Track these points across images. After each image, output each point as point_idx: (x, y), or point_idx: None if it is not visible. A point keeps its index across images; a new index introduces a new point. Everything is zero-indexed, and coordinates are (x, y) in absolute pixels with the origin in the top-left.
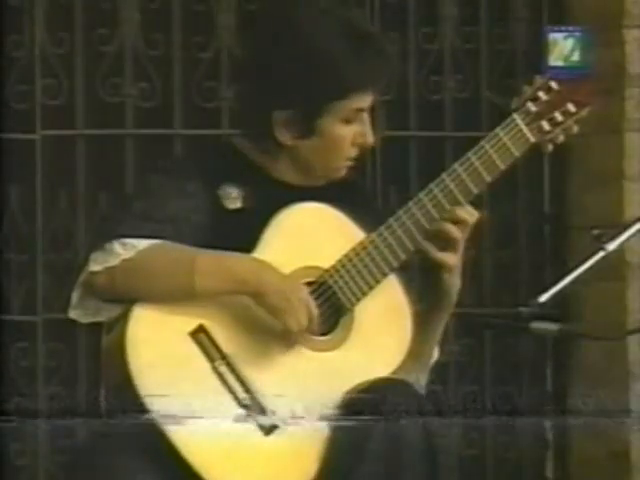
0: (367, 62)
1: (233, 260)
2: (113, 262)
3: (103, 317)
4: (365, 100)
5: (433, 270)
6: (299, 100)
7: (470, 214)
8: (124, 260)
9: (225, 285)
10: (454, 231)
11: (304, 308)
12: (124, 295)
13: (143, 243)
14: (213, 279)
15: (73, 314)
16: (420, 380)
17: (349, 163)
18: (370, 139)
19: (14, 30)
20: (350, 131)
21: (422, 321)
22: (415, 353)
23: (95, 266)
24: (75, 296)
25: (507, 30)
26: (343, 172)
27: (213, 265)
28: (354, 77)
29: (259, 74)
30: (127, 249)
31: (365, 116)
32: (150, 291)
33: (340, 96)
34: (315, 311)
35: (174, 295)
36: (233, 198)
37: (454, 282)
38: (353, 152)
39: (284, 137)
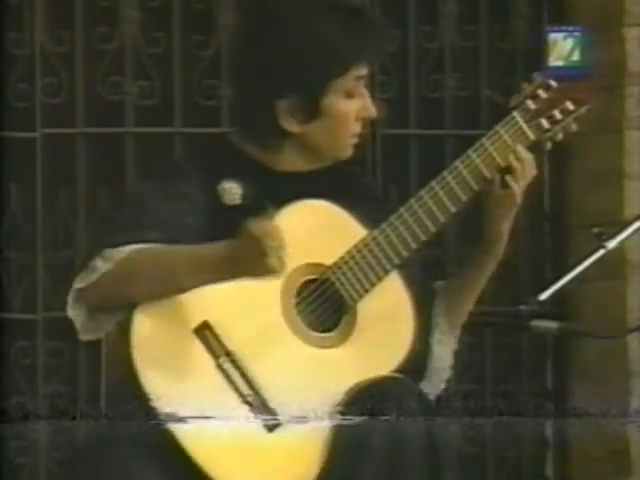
0: (360, 33)
1: (205, 251)
2: (94, 277)
3: (109, 328)
4: (362, 71)
5: (487, 216)
6: (303, 83)
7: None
8: (104, 274)
9: (207, 277)
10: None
11: (272, 244)
12: (114, 304)
13: (121, 252)
14: (194, 275)
15: (84, 337)
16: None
17: (354, 140)
18: (373, 112)
19: (14, 28)
20: (353, 105)
21: (469, 270)
22: (454, 307)
23: (78, 284)
24: (79, 319)
25: (507, 28)
26: (350, 151)
27: (189, 262)
28: (353, 49)
29: (256, 67)
30: (106, 261)
31: (364, 89)
32: (138, 297)
33: (342, 72)
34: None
35: (164, 296)
36: (232, 194)
37: (505, 228)
38: (357, 128)
39: (290, 125)
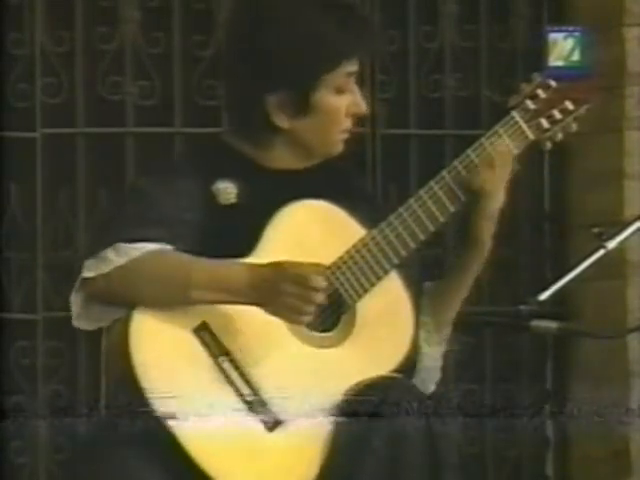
0: (352, 28)
1: (227, 271)
2: (106, 269)
3: (107, 322)
4: (353, 66)
5: (470, 216)
6: (293, 79)
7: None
8: (117, 267)
9: (221, 297)
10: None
11: (305, 296)
12: (118, 301)
13: (137, 250)
14: (208, 292)
15: (78, 324)
16: (436, 352)
17: (345, 136)
18: (363, 107)
19: (14, 28)
20: (344, 101)
21: (454, 271)
22: (439, 307)
23: (88, 273)
24: (76, 305)
25: (507, 28)
26: (340, 147)
27: (208, 278)
28: (343, 45)
29: (247, 63)
30: (120, 255)
31: (355, 85)
32: (144, 299)
33: (333, 67)
34: (322, 286)
35: (169, 304)
36: (227, 194)
37: (489, 227)
38: (348, 123)
39: (281, 120)
